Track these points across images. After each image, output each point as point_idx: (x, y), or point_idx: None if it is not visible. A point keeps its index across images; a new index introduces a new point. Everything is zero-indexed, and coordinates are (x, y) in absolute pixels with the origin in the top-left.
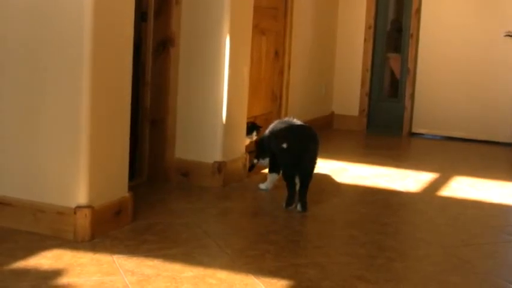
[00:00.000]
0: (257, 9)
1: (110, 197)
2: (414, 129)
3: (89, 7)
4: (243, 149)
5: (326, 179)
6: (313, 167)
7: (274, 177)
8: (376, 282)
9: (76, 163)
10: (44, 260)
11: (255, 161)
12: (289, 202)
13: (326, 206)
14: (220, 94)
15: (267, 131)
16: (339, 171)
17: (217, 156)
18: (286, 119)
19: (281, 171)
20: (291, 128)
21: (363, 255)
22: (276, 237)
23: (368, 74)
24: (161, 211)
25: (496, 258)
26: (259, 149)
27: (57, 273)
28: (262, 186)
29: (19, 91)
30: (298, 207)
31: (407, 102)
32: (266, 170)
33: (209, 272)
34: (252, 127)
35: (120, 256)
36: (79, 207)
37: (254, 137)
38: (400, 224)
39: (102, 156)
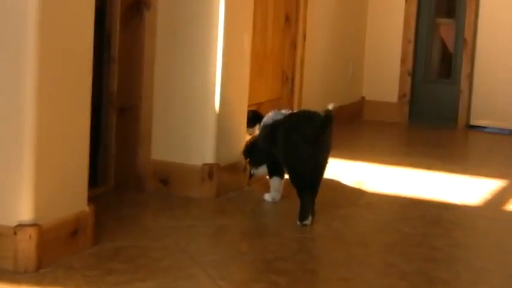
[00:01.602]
0: None
1: (64, 211)
2: (473, 121)
3: None
4: (243, 148)
5: (354, 187)
6: (324, 164)
7: (277, 182)
8: None
9: (17, 167)
10: None
11: (252, 171)
12: (304, 215)
13: (355, 224)
14: (212, 74)
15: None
16: (372, 176)
17: (208, 157)
18: (283, 110)
19: (289, 177)
20: (295, 114)
21: None
22: (288, 266)
23: (411, 47)
24: (133, 230)
25: None
26: (251, 154)
27: None
28: (268, 197)
29: None
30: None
31: (463, 84)
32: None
33: None
34: (254, 117)
35: None
36: (21, 225)
37: (257, 130)
38: (454, 248)
39: (52, 157)
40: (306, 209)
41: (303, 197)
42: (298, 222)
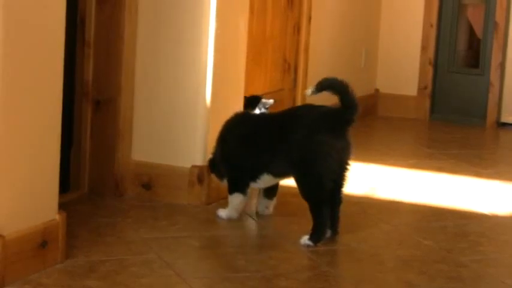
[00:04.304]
0: None
1: (30, 220)
2: (504, 118)
3: None
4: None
5: (367, 194)
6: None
7: (238, 200)
8: None
9: None
10: None
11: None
12: (319, 235)
13: (368, 236)
14: (203, 61)
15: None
16: (388, 181)
17: (198, 158)
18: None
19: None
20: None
21: None
22: (290, 284)
23: (433, 32)
24: (110, 242)
25: None
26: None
27: None
28: (222, 213)
29: None
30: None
31: (493, 76)
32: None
33: None
34: (251, 101)
35: None
36: None
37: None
38: (483, 264)
39: (17, 158)
40: (323, 228)
41: (322, 212)
42: (307, 242)
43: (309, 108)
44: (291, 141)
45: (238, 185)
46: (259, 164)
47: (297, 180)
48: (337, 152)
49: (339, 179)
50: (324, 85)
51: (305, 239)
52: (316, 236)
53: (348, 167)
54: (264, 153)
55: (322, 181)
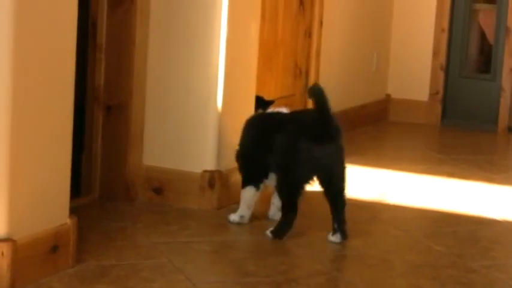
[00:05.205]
0: None
1: (42, 225)
2: None
3: None
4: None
5: (378, 199)
6: (343, 176)
7: (250, 194)
8: None
9: None
10: None
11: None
12: (281, 232)
13: (378, 241)
14: (214, 66)
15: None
16: (398, 186)
17: (209, 163)
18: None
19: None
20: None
21: None
22: None
23: (444, 37)
24: (121, 247)
25: None
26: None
27: None
28: (234, 217)
29: None
30: (334, 237)
31: (505, 81)
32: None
33: None
34: (257, 103)
35: None
36: None
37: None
38: (493, 270)
39: (29, 163)
40: (286, 227)
41: (290, 213)
42: (268, 233)
43: (303, 113)
44: (276, 144)
45: (251, 178)
46: (265, 162)
47: (277, 180)
48: (320, 159)
49: (336, 183)
50: (309, 93)
51: (268, 230)
52: (277, 231)
53: (342, 169)
54: (268, 153)
55: (297, 186)
